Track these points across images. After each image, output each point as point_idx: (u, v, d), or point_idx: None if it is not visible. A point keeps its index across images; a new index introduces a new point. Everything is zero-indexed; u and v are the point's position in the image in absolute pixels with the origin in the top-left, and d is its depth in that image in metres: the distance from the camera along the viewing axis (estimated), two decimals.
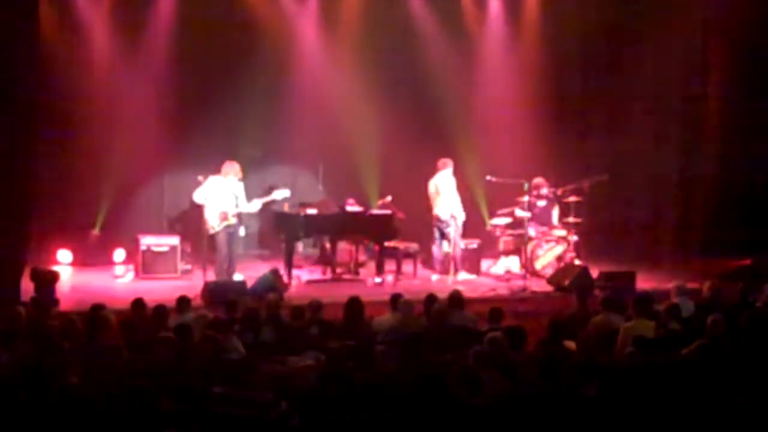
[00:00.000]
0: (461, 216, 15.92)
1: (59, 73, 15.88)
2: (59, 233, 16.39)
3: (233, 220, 14.39)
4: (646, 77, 18.42)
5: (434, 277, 15.95)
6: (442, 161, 15.91)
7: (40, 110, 13.81)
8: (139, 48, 16.77)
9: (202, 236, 14.55)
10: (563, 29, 18.23)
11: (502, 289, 15.13)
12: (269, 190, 14.97)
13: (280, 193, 14.75)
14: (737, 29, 17.59)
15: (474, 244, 16.47)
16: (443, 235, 15.96)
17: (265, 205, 14.94)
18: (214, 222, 14.30)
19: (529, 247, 15.91)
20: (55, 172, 16.03)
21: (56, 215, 16.23)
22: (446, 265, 15.79)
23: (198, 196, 14.37)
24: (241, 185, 14.47)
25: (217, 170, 14.48)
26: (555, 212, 16.66)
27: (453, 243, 15.79)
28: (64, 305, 12.54)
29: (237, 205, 14.40)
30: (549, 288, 15.05)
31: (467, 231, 16.22)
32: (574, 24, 18.13)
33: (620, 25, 18.27)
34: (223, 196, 14.33)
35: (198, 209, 14.55)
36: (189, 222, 15.63)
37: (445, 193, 15.79)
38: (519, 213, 16.11)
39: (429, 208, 16.17)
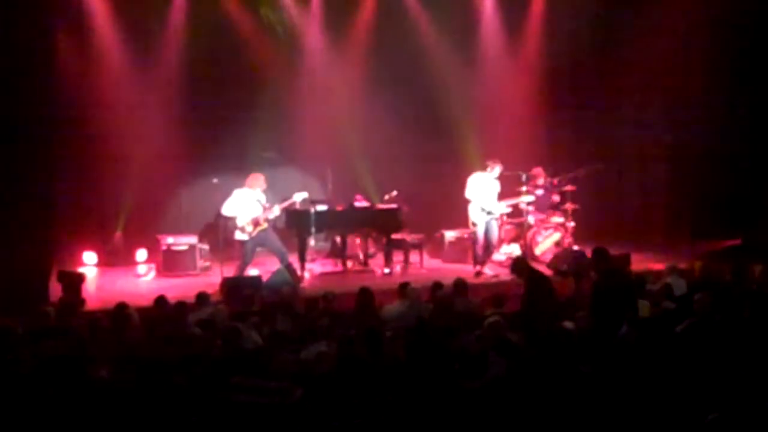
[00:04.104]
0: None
1: (77, 85, 15.84)
2: (84, 236, 16.48)
3: (265, 225, 14.43)
4: (634, 70, 18.40)
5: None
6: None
7: (61, 121, 13.88)
8: (152, 58, 16.85)
9: (225, 240, 14.66)
10: (558, 29, 18.26)
11: (504, 275, 15.17)
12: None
13: (299, 196, 14.76)
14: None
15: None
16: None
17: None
18: (248, 228, 14.36)
19: (529, 234, 15.98)
20: (78, 180, 16.00)
21: (81, 219, 16.31)
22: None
23: (227, 210, 14.37)
24: (263, 194, 14.54)
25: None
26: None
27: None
28: (91, 305, 12.63)
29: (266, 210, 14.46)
30: (548, 272, 15.06)
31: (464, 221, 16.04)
32: (569, 24, 18.12)
33: (610, 23, 18.24)
34: (250, 206, 14.39)
35: (223, 218, 14.57)
36: (216, 231, 15.45)
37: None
38: (523, 202, 15.90)
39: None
